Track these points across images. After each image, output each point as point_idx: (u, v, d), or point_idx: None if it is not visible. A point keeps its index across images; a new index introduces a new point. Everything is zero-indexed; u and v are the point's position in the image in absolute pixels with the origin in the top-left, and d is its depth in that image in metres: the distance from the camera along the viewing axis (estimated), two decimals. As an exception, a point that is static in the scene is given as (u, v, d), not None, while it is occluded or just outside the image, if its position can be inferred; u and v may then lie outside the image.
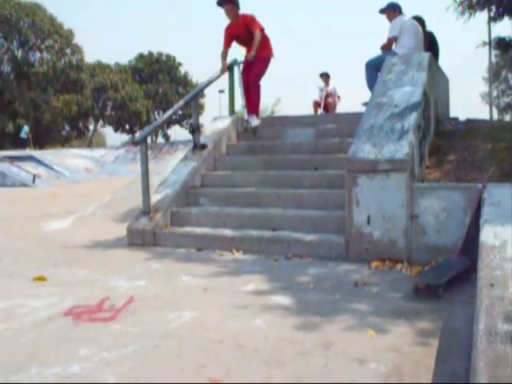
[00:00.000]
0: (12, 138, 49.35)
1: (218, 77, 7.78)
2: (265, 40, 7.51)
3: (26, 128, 33.41)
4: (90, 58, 58.75)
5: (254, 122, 7.94)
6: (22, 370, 2.90)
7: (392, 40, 7.99)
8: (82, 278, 4.89)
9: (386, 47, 8.10)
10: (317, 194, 6.39)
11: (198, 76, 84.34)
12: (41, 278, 4.81)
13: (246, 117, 7.96)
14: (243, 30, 7.45)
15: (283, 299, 4.07)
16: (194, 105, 7.57)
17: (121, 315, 3.78)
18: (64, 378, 2.81)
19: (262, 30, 7.50)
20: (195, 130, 7.35)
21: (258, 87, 7.79)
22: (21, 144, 32.19)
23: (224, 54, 7.74)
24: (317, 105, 14.46)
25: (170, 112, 7.44)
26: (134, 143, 6.90)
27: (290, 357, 3.00)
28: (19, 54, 52.98)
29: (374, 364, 2.88)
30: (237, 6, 7.50)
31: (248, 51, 7.62)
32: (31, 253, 6.15)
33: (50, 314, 3.85)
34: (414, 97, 6.02)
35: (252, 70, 7.61)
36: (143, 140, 6.42)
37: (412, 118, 5.68)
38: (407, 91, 6.16)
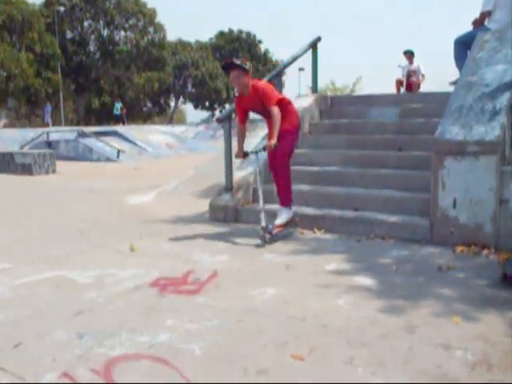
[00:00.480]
0: (97, 114, 51.23)
1: (302, 54, 7.71)
2: (286, 111, 5.49)
3: (118, 105, 34.56)
4: (171, 36, 59.82)
5: (282, 219, 5.58)
6: (114, 335, 3.03)
7: (485, 15, 7.60)
8: (166, 250, 5.03)
9: (478, 23, 7.72)
10: (401, 175, 6.25)
11: (278, 54, 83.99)
12: (131, 249, 5.00)
13: (263, 222, 5.27)
14: (258, 104, 5.50)
15: (365, 280, 4.02)
16: (278, 82, 7.54)
17: (205, 289, 3.86)
18: (152, 346, 2.90)
19: (282, 100, 5.53)
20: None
21: (286, 168, 5.59)
22: (114, 121, 33.30)
23: (240, 133, 5.73)
24: (399, 83, 14.05)
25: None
26: (218, 121, 6.96)
27: (373, 338, 2.97)
28: (105, 33, 54.59)
29: (461, 351, 2.80)
30: (246, 72, 5.36)
31: (269, 131, 5.70)
32: (117, 225, 6.37)
33: (137, 284, 3.99)
34: (508, 76, 5.71)
35: (277, 149, 5.38)
36: (227, 118, 6.47)
37: (504, 99, 5.40)
38: (500, 70, 5.86)
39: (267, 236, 5.21)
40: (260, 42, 66.04)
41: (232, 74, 5.36)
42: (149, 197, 8.17)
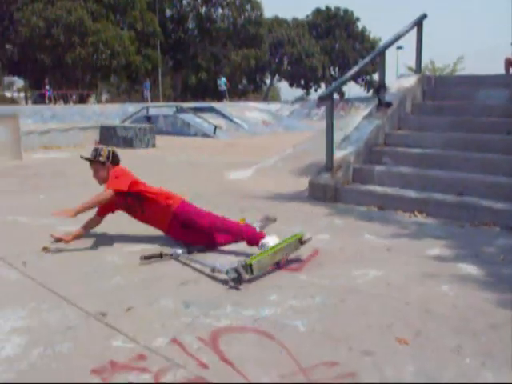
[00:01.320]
0: (194, 90, 52.30)
1: (406, 32, 7.46)
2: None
3: (223, 80, 35.24)
4: (268, 13, 59.71)
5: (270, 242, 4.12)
6: (219, 307, 3.13)
7: None
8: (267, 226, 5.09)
9: None
10: (508, 160, 5.95)
11: (375, 31, 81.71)
12: (242, 220, 5.10)
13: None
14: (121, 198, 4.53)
15: (470, 268, 3.89)
16: (381, 61, 7.35)
17: (307, 266, 3.88)
18: (256, 320, 2.96)
19: (143, 191, 4.56)
20: (381, 87, 7.17)
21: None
22: (218, 96, 33.90)
23: (94, 222, 4.72)
24: (509, 63, 13.28)
25: (355, 68, 7.33)
26: (320, 99, 6.91)
27: (481, 328, 2.87)
28: (203, 10, 55.34)
29: None
30: (103, 164, 4.60)
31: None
32: (217, 199, 6.51)
33: (239, 258, 4.06)
34: None
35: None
36: (329, 96, 6.41)
37: None
38: None
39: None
40: (358, 19, 64.55)
41: (91, 168, 4.66)
42: (247, 173, 8.28)
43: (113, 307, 3.11)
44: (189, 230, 4.42)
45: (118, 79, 48.17)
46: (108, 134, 14.01)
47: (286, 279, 3.63)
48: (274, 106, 30.46)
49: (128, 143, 13.17)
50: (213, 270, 3.62)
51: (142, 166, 10.14)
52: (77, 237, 4.47)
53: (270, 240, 4.06)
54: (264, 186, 7.19)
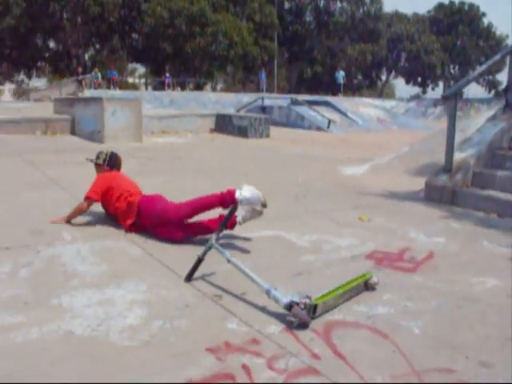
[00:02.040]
0: (308, 83, 52.29)
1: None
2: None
3: (341, 74, 35.10)
4: (388, 7, 58.33)
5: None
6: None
7: None
8: (379, 224, 5.01)
9: None
10: None
11: (502, 28, 77.31)
12: (362, 218, 5.09)
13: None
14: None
15: None
16: (511, 60, 6.95)
17: (421, 268, 3.77)
18: (370, 317, 2.93)
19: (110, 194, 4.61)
20: (509, 88, 6.78)
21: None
22: (333, 90, 33.82)
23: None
24: None
25: (484, 67, 7.01)
26: (444, 97, 6.65)
27: None
28: (321, 3, 55.09)
29: None
30: (99, 167, 4.95)
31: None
32: (331, 193, 6.49)
33: (353, 253, 4.04)
34: None
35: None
36: (454, 94, 6.16)
37: None
38: None
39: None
40: (483, 14, 61.39)
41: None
42: (361, 169, 8.17)
43: (228, 290, 3.19)
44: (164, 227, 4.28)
45: (234, 69, 49.16)
46: (223, 122, 14.33)
47: (399, 279, 3.55)
48: (388, 103, 29.83)
49: (243, 132, 13.39)
50: (267, 293, 2.97)
51: (256, 155, 10.32)
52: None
53: (244, 191, 4.08)
54: (379, 184, 7.06)
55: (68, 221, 4.60)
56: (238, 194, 4.02)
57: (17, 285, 3.22)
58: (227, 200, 4.06)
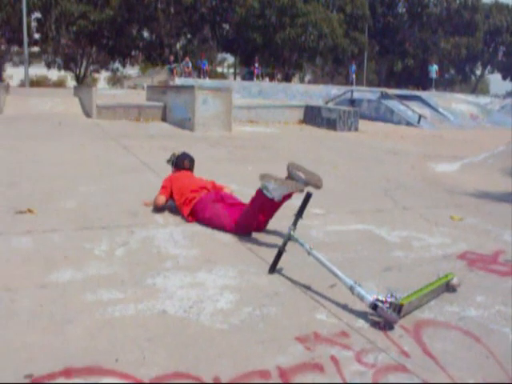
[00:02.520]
0: (398, 77, 51.10)
1: None
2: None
3: (435, 67, 34.15)
4: (487, -4, 55.59)
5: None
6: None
7: None
8: (472, 224, 4.84)
9: None
10: None
11: None
12: (454, 218, 4.96)
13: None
14: None
15: None
16: None
17: (518, 272, 3.62)
18: (461, 318, 2.84)
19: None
20: None
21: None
22: (424, 84, 32.95)
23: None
24: None
25: None
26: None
27: None
28: (417, -6, 53.53)
29: None
30: (173, 167, 5.24)
31: None
32: (421, 190, 6.35)
33: (445, 253, 3.93)
34: None
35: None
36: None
37: None
38: None
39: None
40: None
41: None
42: (453, 166, 7.92)
43: (317, 282, 3.20)
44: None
45: (323, 61, 48.81)
46: (312, 114, 14.29)
47: (494, 282, 3.42)
48: (483, 100, 28.62)
49: (331, 125, 13.31)
50: (351, 289, 2.90)
51: (345, 148, 10.25)
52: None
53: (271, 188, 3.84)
54: (471, 183, 6.82)
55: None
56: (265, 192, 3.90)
57: (114, 263, 3.38)
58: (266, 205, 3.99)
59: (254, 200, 4.03)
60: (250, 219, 4.09)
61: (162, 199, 4.69)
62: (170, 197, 4.73)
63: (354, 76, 37.34)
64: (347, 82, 38.97)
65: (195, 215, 4.42)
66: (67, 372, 2.16)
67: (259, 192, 3.94)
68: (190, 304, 2.82)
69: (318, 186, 3.86)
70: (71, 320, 2.60)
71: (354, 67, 38.00)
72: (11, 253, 3.50)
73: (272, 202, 3.94)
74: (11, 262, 3.32)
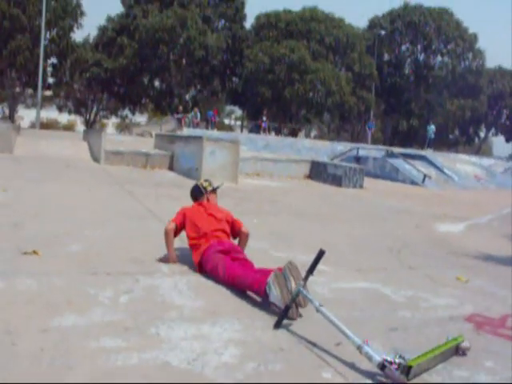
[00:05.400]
0: (403, 136, 51.69)
1: None
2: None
3: (432, 128, 34.38)
4: (490, 63, 56.88)
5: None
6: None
7: None
8: (478, 286, 4.80)
9: None
10: None
11: None
12: (460, 279, 4.91)
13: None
14: None
15: None
16: None
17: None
18: None
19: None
20: None
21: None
22: (429, 144, 33.12)
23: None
24: None
25: None
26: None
27: None
28: (421, 57, 54.76)
29: None
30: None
31: None
32: (426, 250, 6.32)
33: (451, 314, 3.89)
34: None
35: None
36: None
37: None
38: None
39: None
40: None
41: None
42: (458, 227, 7.91)
43: (323, 339, 3.15)
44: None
45: (330, 117, 49.54)
46: (318, 170, 14.40)
47: (503, 347, 3.36)
48: (486, 161, 28.79)
49: (337, 181, 13.38)
50: (359, 349, 2.83)
51: (350, 205, 10.29)
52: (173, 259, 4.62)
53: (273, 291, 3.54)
54: (476, 244, 6.79)
55: (171, 254, 4.59)
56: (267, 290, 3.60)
57: (118, 310, 3.34)
58: (260, 293, 3.71)
59: (255, 278, 3.76)
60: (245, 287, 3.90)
61: (172, 226, 4.58)
62: (182, 228, 4.64)
63: (370, 132, 36.99)
64: (352, 139, 39.29)
65: (202, 266, 4.34)
66: (67, 421, 2.12)
67: (264, 284, 3.62)
68: (194, 356, 2.78)
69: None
70: (72, 366, 2.56)
71: (371, 124, 37.67)
72: (14, 294, 3.47)
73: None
74: (14, 304, 3.29)
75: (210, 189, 4.99)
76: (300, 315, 3.48)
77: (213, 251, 4.29)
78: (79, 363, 2.59)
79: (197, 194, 4.97)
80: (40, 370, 2.49)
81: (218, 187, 5.10)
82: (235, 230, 4.78)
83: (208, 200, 4.93)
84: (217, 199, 5.07)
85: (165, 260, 4.58)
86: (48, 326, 3.00)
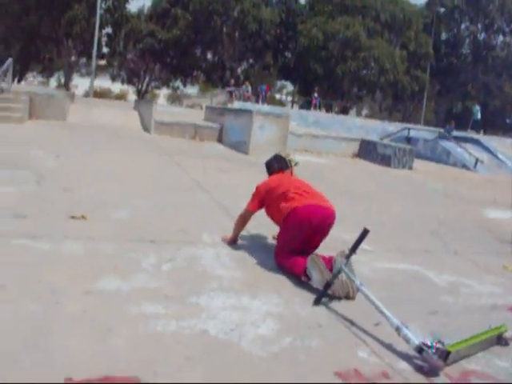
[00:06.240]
0: (457, 118, 50.33)
1: None
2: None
3: (477, 108, 32.90)
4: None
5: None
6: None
7: None
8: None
9: None
10: None
11: None
12: (507, 268, 4.81)
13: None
14: None
15: None
16: None
17: None
18: (510, 374, 2.74)
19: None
20: None
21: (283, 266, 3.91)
22: (474, 126, 31.81)
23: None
24: None
25: None
26: None
27: None
28: (481, 36, 52.95)
29: None
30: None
31: None
32: (472, 235, 6.19)
33: (495, 302, 3.81)
34: None
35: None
36: None
37: None
38: None
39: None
40: None
41: None
42: (508, 214, 7.71)
43: (361, 318, 3.14)
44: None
45: (382, 96, 48.64)
46: (367, 149, 14.19)
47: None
48: (545, 148, 27.81)
49: (386, 161, 13.16)
50: (397, 330, 2.83)
51: (398, 186, 10.13)
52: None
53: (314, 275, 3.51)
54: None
55: (235, 237, 4.36)
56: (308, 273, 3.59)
57: (160, 278, 3.41)
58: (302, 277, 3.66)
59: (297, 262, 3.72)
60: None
61: (247, 212, 4.25)
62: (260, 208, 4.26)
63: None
64: (404, 119, 38.24)
65: (283, 220, 3.95)
66: (106, 380, 2.18)
67: (305, 268, 3.61)
68: (232, 327, 2.82)
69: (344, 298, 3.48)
70: (113, 329, 2.63)
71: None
72: (61, 256, 3.58)
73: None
74: (60, 266, 3.40)
75: (294, 163, 4.67)
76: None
77: (298, 224, 3.82)
78: (119, 326, 2.67)
79: (282, 165, 4.55)
80: (82, 331, 2.58)
81: (297, 164, 4.77)
82: None
83: (291, 173, 4.59)
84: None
85: (227, 240, 4.40)
86: (91, 288, 3.10)
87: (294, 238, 3.85)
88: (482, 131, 31.08)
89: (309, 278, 3.56)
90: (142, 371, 2.27)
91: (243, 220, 4.31)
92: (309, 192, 4.07)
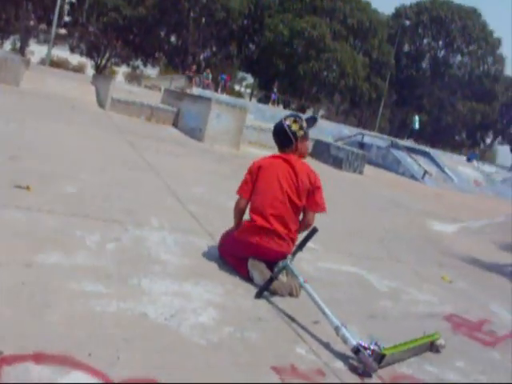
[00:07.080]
0: (409, 130, 51.51)
1: None
2: None
3: (417, 118, 33.76)
4: (509, 70, 56.49)
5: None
6: (403, 353, 3.01)
7: None
8: (461, 288, 4.84)
9: None
10: None
11: None
12: (444, 278, 4.93)
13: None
14: None
15: None
16: None
17: (501, 345, 3.58)
18: (440, 380, 2.81)
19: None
20: None
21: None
22: (411, 134, 32.59)
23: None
24: None
25: None
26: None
27: None
28: (441, 54, 54.33)
29: None
30: None
31: None
32: (416, 245, 6.35)
33: (431, 311, 3.92)
34: None
35: None
36: None
37: None
38: None
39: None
40: None
41: None
42: (451, 228, 7.91)
43: (301, 315, 3.16)
44: None
45: (340, 99, 49.24)
46: (320, 149, 14.32)
47: (476, 350, 3.39)
48: (488, 168, 28.76)
49: (338, 163, 13.32)
50: (336, 330, 2.84)
51: (348, 189, 10.30)
52: None
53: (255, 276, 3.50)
54: (466, 247, 6.79)
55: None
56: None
57: (103, 257, 3.34)
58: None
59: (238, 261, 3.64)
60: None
61: (241, 200, 3.77)
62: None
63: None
64: (359, 125, 38.84)
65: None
66: (38, 357, 2.12)
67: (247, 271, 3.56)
68: (172, 312, 2.78)
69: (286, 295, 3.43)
70: (50, 304, 2.56)
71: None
72: (1, 226, 3.45)
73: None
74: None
75: (301, 134, 3.77)
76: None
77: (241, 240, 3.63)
78: (58, 302, 2.59)
79: (282, 140, 3.82)
80: (18, 304, 2.49)
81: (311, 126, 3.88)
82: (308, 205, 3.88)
83: (297, 149, 3.79)
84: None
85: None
86: (31, 261, 2.99)
87: (238, 250, 3.70)
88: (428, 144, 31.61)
89: (252, 279, 3.55)
90: (77, 350, 2.21)
91: (236, 211, 3.81)
92: (280, 209, 3.57)
